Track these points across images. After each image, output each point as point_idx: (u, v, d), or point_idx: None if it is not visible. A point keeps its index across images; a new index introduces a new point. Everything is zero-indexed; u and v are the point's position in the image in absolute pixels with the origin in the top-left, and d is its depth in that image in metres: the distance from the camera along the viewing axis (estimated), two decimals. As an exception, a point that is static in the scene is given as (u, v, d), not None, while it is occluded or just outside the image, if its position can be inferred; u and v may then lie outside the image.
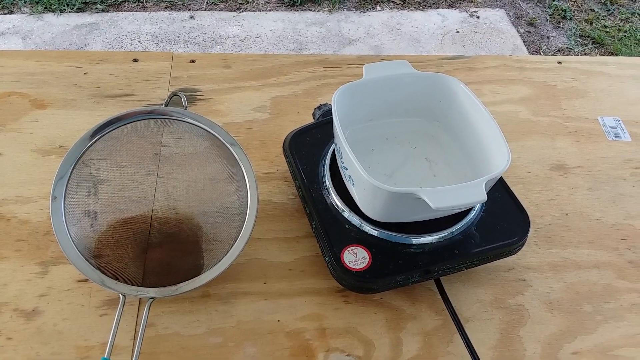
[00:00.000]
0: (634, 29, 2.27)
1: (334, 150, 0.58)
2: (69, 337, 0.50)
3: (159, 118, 0.55)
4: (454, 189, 0.47)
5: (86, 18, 2.09)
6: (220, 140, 0.55)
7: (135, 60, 0.75)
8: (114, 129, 0.54)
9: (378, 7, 2.28)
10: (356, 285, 0.51)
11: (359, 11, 2.25)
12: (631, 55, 2.12)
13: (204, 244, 0.54)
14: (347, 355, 0.51)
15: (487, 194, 0.47)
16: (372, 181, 0.47)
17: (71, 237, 0.50)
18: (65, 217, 0.51)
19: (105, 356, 0.46)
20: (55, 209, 0.51)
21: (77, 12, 2.11)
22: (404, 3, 2.30)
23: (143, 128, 0.57)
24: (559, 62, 0.82)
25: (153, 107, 0.56)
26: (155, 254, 0.54)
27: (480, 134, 0.55)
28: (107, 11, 2.14)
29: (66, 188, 0.52)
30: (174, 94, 0.66)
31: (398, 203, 0.49)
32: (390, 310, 0.54)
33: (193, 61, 0.76)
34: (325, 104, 0.66)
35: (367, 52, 2.04)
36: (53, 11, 2.11)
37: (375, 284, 0.51)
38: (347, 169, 0.52)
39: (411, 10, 2.27)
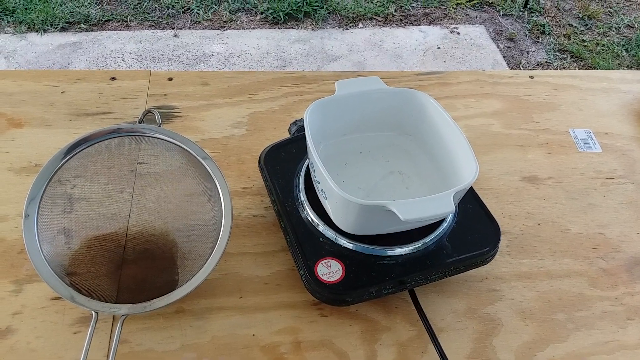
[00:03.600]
0: (611, 42, 2.32)
1: (308, 165, 0.59)
2: (43, 355, 0.50)
3: (130, 135, 0.55)
4: (423, 200, 0.48)
5: (70, 37, 2.10)
6: (193, 155, 0.56)
7: (113, 78, 0.76)
8: (87, 147, 0.54)
9: (360, 25, 2.31)
10: (330, 297, 0.52)
11: (341, 28, 2.28)
12: (609, 69, 2.17)
13: (178, 259, 0.54)
14: (322, 368, 0.51)
15: (458, 205, 0.48)
16: (343, 194, 0.48)
17: (44, 255, 0.50)
18: (38, 234, 0.51)
19: (78, 374, 0.46)
20: (28, 226, 0.51)
21: (60, 31, 2.12)
22: (385, 20, 2.34)
23: (119, 145, 0.57)
24: (531, 77, 0.84)
25: (124, 125, 0.56)
26: (129, 271, 0.54)
27: (450, 147, 0.56)
28: (91, 30, 2.15)
29: (39, 206, 0.52)
30: (148, 111, 0.67)
31: (370, 215, 0.50)
32: (365, 322, 0.55)
33: (171, 79, 0.77)
34: (300, 120, 0.67)
35: (350, 68, 2.07)
36: (37, 31, 2.11)
37: (349, 296, 0.52)
38: (319, 183, 0.53)
39: (393, 27, 2.31)
